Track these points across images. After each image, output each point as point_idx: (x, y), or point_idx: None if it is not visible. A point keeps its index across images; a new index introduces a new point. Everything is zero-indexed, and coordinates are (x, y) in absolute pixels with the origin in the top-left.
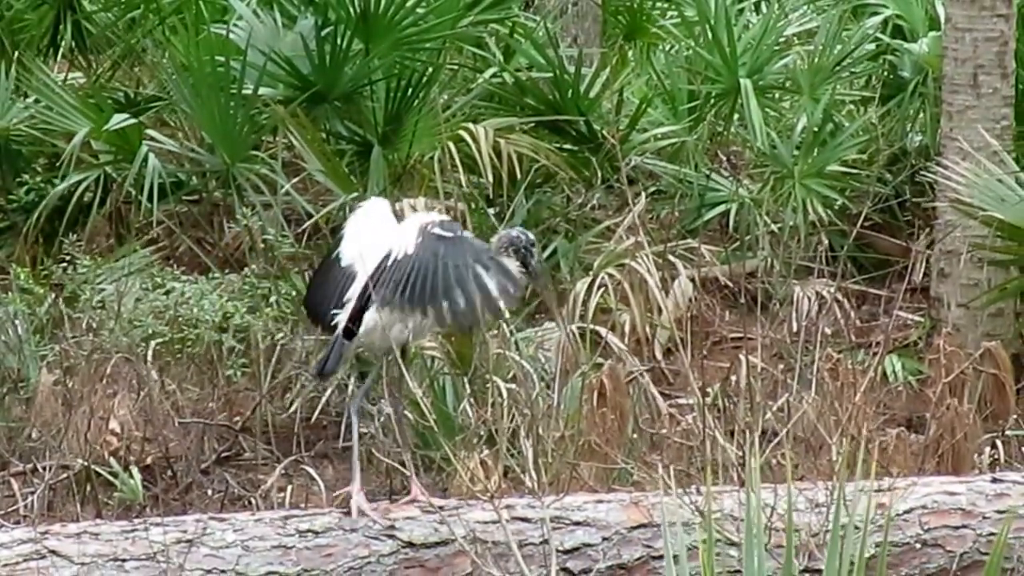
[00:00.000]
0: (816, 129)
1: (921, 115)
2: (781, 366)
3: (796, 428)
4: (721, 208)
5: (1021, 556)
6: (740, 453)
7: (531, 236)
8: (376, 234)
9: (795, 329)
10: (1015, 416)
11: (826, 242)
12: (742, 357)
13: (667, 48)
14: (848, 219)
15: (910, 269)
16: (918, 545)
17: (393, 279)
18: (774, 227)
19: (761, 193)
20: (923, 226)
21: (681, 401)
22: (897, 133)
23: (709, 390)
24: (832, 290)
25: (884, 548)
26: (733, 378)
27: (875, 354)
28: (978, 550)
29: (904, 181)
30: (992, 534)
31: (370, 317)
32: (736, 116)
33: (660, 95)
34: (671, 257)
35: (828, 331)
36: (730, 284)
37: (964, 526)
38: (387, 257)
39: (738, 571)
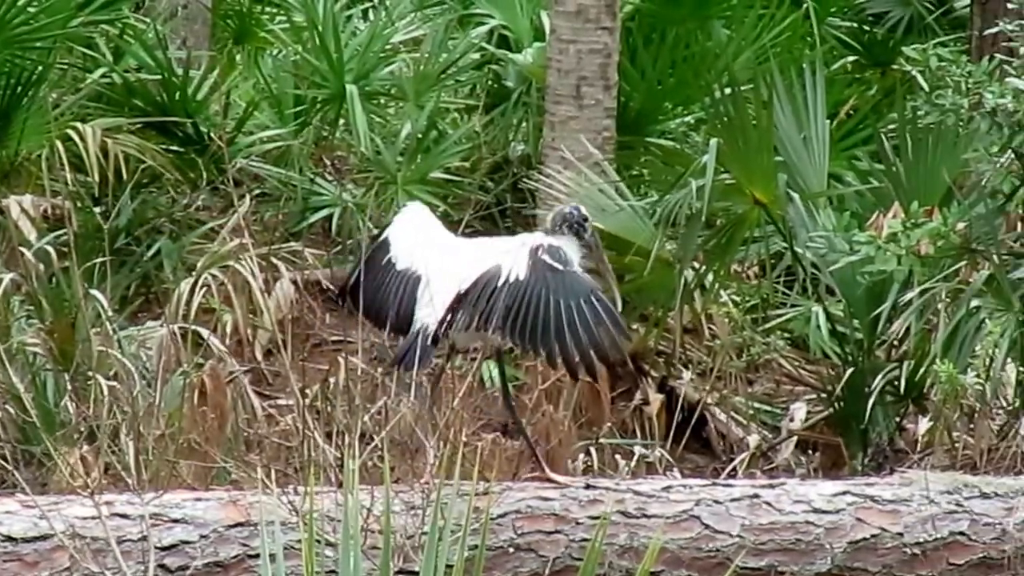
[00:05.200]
0: (420, 136)
1: (524, 124)
2: (380, 369)
3: (394, 431)
4: (325, 212)
5: (612, 562)
6: (338, 454)
7: (584, 211)
8: (440, 239)
9: None
10: (609, 424)
11: None
12: (342, 360)
13: (275, 52)
14: (449, 225)
15: None
16: (511, 549)
17: (504, 303)
18: (376, 232)
19: (365, 198)
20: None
21: (281, 402)
22: (500, 142)
23: (308, 391)
24: None
25: (480, 552)
26: (332, 380)
27: (473, 359)
28: (570, 555)
29: (506, 189)
30: (585, 540)
31: (460, 328)
32: (342, 121)
33: (267, 99)
34: (274, 259)
35: None
36: (332, 287)
37: (557, 531)
38: (492, 274)
39: (334, 571)
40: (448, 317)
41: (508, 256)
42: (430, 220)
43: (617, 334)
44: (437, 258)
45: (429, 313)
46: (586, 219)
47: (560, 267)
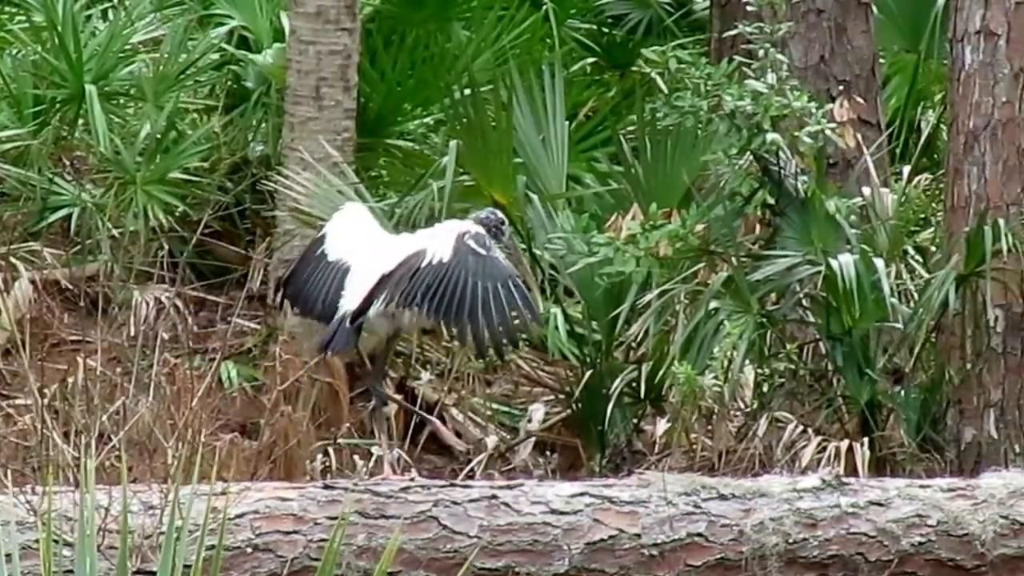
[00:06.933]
0: (159, 136)
1: (264, 125)
2: (119, 370)
3: (132, 431)
4: (64, 212)
5: (351, 563)
6: (76, 454)
7: (500, 215)
8: (373, 233)
9: (134, 333)
10: (348, 424)
11: (167, 248)
12: (80, 360)
13: (14, 52)
14: (189, 226)
15: (248, 277)
16: (249, 549)
17: (425, 281)
18: (116, 232)
19: (104, 198)
20: (263, 235)
21: (19, 401)
22: (239, 142)
23: (47, 391)
24: (171, 296)
25: (218, 552)
26: (71, 380)
27: (212, 360)
28: (308, 556)
29: (245, 190)
30: (323, 540)
31: (379, 307)
32: (81, 121)
33: (6, 99)
34: (13, 259)
35: (166, 336)
36: (71, 287)
37: (295, 531)
38: (417, 256)
39: (71, 571)
40: (368, 297)
41: (434, 240)
42: (366, 217)
43: (529, 318)
44: (365, 251)
45: (351, 300)
46: (503, 222)
47: (483, 252)
